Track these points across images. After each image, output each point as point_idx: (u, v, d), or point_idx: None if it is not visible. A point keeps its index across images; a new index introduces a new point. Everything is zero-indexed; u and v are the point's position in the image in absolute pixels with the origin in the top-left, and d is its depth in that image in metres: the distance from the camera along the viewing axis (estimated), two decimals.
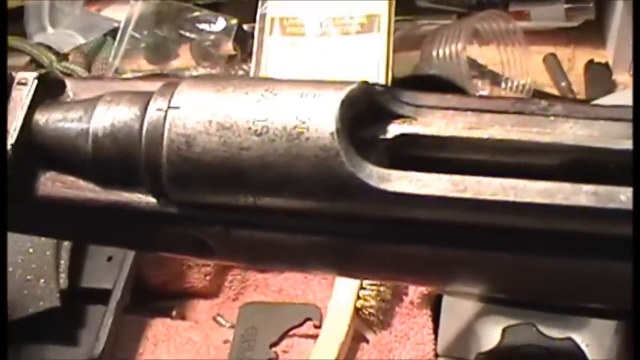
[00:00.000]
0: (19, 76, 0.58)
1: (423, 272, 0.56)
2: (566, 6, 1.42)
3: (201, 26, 1.42)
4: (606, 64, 1.38)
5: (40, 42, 1.52)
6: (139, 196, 0.54)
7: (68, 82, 0.60)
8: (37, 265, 0.95)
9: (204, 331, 1.00)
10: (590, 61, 1.39)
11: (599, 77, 1.37)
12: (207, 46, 1.41)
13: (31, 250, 0.96)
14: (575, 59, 1.40)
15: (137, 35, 1.42)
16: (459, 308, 0.88)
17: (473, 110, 0.51)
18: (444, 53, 1.24)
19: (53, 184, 0.57)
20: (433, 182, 0.47)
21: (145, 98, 0.53)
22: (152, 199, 0.54)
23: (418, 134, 0.51)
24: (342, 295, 0.94)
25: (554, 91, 1.36)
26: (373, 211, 0.49)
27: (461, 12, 1.46)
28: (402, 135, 0.51)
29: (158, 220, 0.55)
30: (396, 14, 1.20)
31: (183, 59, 1.45)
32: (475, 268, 0.53)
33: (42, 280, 0.94)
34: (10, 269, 0.96)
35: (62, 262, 0.96)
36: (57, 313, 0.94)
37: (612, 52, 1.38)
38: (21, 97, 0.57)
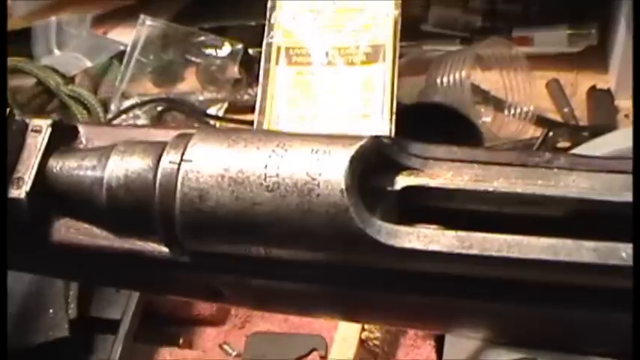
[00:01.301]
0: (33, 123, 0.59)
1: (429, 320, 0.57)
2: (569, 32, 1.43)
3: (207, 51, 1.44)
4: (608, 90, 1.39)
5: (46, 64, 1.52)
6: (152, 244, 0.55)
7: (81, 128, 0.62)
8: (46, 295, 0.97)
9: None
10: (593, 87, 1.40)
11: (602, 103, 1.38)
12: (213, 70, 1.43)
13: (40, 281, 0.97)
14: (578, 84, 1.41)
15: (143, 59, 1.43)
16: (462, 341, 0.89)
17: (479, 162, 0.52)
18: (448, 80, 1.25)
19: (67, 230, 0.58)
20: (440, 238, 0.48)
21: (158, 149, 0.54)
22: (165, 248, 0.55)
23: (425, 186, 0.52)
24: (347, 327, 0.95)
25: (557, 117, 1.37)
26: (382, 264, 0.50)
27: (464, 37, 1.48)
28: (410, 187, 0.52)
29: (171, 268, 0.56)
30: (402, 39, 1.21)
31: (189, 83, 1.46)
32: (480, 317, 0.54)
33: (51, 310, 0.96)
34: (20, 299, 0.97)
35: (71, 292, 0.97)
36: (66, 342, 0.95)
37: (615, 77, 1.39)
38: (35, 145, 0.58)
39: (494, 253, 0.48)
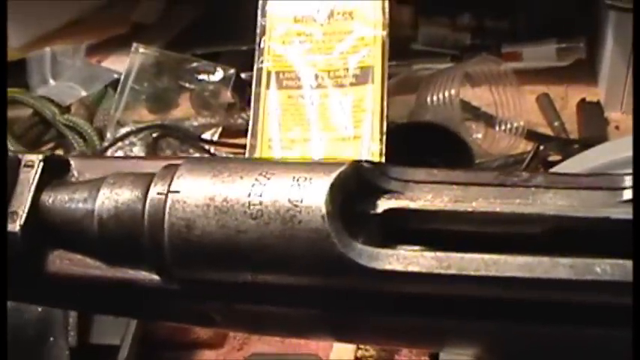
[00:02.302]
0: (26, 158, 0.61)
1: (416, 340, 0.59)
2: (557, 46, 1.45)
3: (200, 76, 1.45)
4: (598, 103, 1.40)
5: (42, 95, 1.54)
6: (144, 273, 0.57)
7: (72, 161, 0.63)
8: (46, 323, 0.97)
9: None
10: (583, 100, 1.41)
11: (592, 115, 1.40)
12: (206, 95, 1.44)
13: (40, 309, 0.98)
14: (568, 98, 1.43)
15: (137, 87, 1.45)
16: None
17: (458, 184, 0.54)
18: (438, 99, 1.27)
19: (61, 261, 0.60)
20: (419, 260, 0.49)
21: (147, 181, 0.56)
22: (156, 277, 0.56)
23: (406, 208, 0.53)
24: (342, 346, 0.96)
25: (548, 131, 1.38)
26: (364, 286, 0.51)
27: (454, 54, 1.50)
28: (391, 210, 0.53)
29: (162, 295, 0.57)
30: (392, 59, 1.23)
31: (183, 109, 1.48)
32: (464, 336, 0.56)
33: (52, 339, 0.97)
34: (19, 328, 0.98)
35: (71, 319, 0.98)
36: None
37: (604, 90, 1.41)
38: (28, 179, 0.60)
39: (472, 273, 0.49)
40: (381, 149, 1.11)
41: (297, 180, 0.52)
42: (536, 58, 1.46)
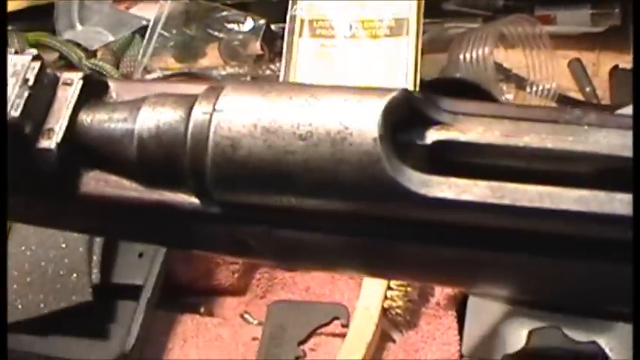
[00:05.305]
0: (65, 76, 0.59)
1: (454, 273, 0.57)
2: (591, 11, 1.42)
3: (230, 26, 1.43)
4: (631, 70, 1.38)
5: (69, 39, 1.52)
6: (182, 196, 0.56)
7: (111, 84, 0.62)
8: (70, 259, 0.97)
9: (233, 328, 1.02)
10: (615, 67, 1.39)
11: (624, 82, 1.37)
12: (235, 45, 1.42)
13: (63, 245, 0.98)
14: (600, 64, 1.40)
15: (166, 34, 1.43)
16: (484, 310, 0.89)
17: (509, 118, 0.52)
18: (471, 57, 1.25)
19: (97, 183, 0.58)
20: (472, 188, 0.48)
21: (190, 101, 0.54)
22: (195, 199, 0.55)
23: (455, 140, 0.52)
24: (369, 295, 0.95)
25: (579, 96, 1.36)
26: (412, 214, 0.50)
27: (487, 15, 1.47)
28: (440, 141, 0.52)
29: (201, 219, 0.56)
30: (424, 17, 1.21)
31: (211, 58, 1.46)
32: (508, 271, 0.54)
33: (74, 275, 0.96)
34: (42, 263, 0.97)
35: (95, 257, 0.97)
36: (89, 307, 0.95)
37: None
38: (66, 97, 0.58)
39: (526, 204, 0.47)
40: None
41: (349, 102, 0.50)
42: (570, 23, 1.43)
